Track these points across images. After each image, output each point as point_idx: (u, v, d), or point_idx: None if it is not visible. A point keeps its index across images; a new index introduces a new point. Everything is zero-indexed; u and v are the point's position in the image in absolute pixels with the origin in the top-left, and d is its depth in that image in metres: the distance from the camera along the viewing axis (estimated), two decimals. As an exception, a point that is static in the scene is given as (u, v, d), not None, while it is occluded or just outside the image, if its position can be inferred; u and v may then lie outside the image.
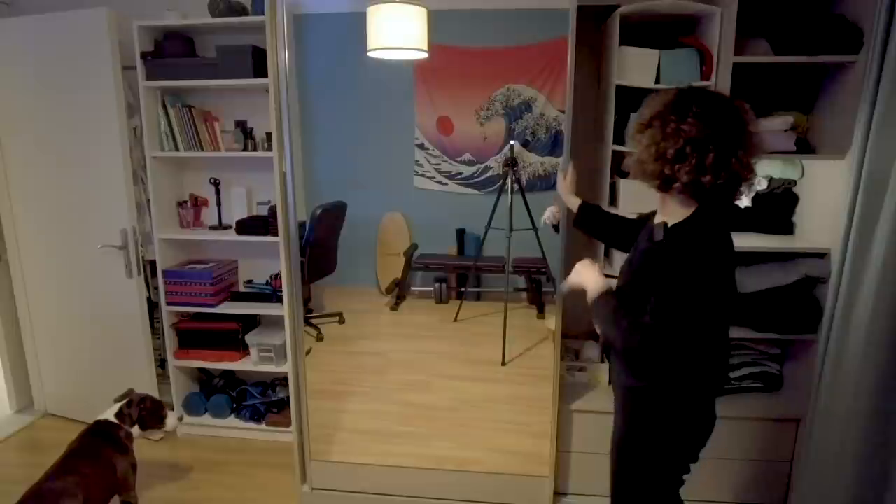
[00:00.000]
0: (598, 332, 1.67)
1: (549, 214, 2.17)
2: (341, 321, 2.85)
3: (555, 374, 2.37)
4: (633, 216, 1.95)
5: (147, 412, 2.49)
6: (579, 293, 1.73)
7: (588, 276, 1.69)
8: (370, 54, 2.02)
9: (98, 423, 2.40)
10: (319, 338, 2.78)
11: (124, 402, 2.47)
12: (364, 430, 2.66)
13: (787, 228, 2.56)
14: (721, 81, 2.23)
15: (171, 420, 2.57)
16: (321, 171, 2.64)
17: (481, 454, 2.57)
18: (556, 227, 2.15)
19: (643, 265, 1.59)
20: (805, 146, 2.38)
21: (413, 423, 2.62)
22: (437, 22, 2.03)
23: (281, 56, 2.22)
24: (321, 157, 2.62)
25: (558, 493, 2.58)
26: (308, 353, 2.57)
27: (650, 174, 1.50)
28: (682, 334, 1.48)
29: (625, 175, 2.49)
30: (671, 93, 1.50)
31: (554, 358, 2.35)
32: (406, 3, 1.92)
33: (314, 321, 2.83)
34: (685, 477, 1.80)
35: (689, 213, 1.51)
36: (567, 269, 2.26)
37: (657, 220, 1.59)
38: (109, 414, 2.42)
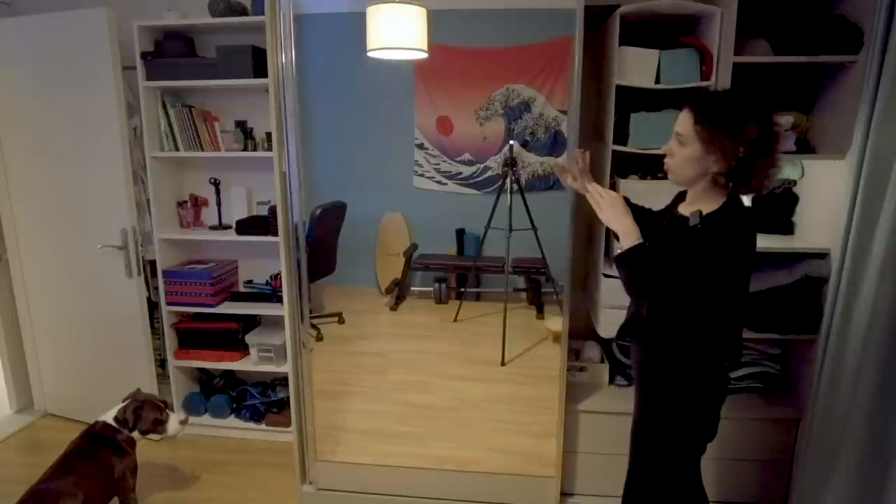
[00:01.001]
0: (623, 277, 1.68)
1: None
2: (341, 321, 2.85)
3: (562, 374, 2.36)
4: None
5: (143, 418, 2.42)
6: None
7: (621, 219, 1.67)
8: (370, 54, 2.01)
9: (96, 425, 2.39)
10: (319, 338, 2.78)
11: (122, 406, 2.43)
12: (364, 429, 2.66)
13: (788, 228, 2.56)
14: (721, 81, 2.23)
15: (172, 425, 2.48)
16: (321, 171, 2.64)
17: (481, 454, 2.56)
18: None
19: (667, 249, 1.64)
20: (805, 146, 2.38)
21: (413, 423, 2.62)
22: (437, 22, 2.03)
23: (281, 56, 2.22)
24: (321, 157, 2.62)
25: (565, 494, 2.57)
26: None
27: (715, 174, 1.56)
28: (700, 307, 1.61)
29: (625, 175, 2.49)
30: (731, 96, 1.58)
31: (561, 358, 2.34)
32: (406, 3, 1.91)
33: (314, 321, 2.83)
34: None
35: (720, 203, 1.59)
36: (573, 268, 2.26)
37: (689, 208, 1.65)
38: (108, 417, 2.40)
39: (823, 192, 2.40)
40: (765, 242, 2.42)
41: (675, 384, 1.73)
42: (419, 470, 2.54)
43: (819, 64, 2.26)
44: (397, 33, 1.95)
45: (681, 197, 1.77)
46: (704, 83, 2.27)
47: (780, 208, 2.55)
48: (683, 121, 1.57)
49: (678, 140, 1.59)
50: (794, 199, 2.55)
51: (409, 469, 2.54)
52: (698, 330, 1.66)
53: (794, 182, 2.53)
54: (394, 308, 2.52)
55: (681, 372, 1.70)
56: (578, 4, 2.05)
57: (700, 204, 1.63)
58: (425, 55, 2.05)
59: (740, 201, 1.61)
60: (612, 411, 2.49)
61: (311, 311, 2.85)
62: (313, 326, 2.81)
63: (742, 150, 1.49)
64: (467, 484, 2.53)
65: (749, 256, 1.60)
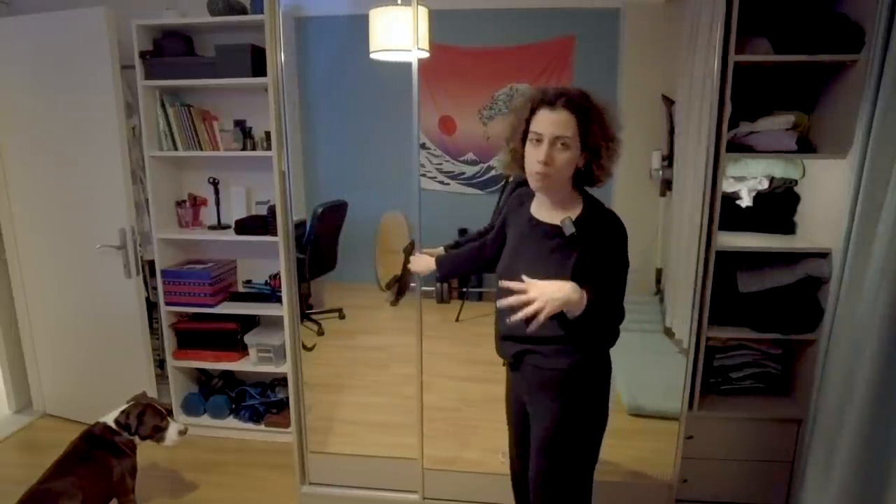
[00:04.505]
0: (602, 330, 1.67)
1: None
2: (341, 317, 2.85)
3: (687, 375, 2.30)
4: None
5: (144, 423, 2.40)
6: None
7: (562, 291, 1.49)
8: (372, 56, 2.01)
9: (95, 426, 2.38)
10: (320, 332, 2.79)
11: (124, 408, 2.42)
12: (364, 422, 2.65)
13: (789, 228, 2.56)
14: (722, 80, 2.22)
15: (171, 434, 2.45)
16: (321, 171, 2.63)
17: (480, 454, 2.55)
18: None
19: (562, 260, 1.59)
20: (806, 145, 2.37)
21: (414, 418, 2.60)
22: (439, 22, 2.02)
23: (280, 55, 2.21)
24: (322, 156, 2.62)
25: (680, 501, 2.50)
26: (312, 348, 2.55)
27: (570, 173, 1.59)
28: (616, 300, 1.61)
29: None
30: (586, 95, 1.57)
31: (688, 360, 2.31)
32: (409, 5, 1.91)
33: (315, 317, 2.84)
34: None
35: (580, 202, 1.63)
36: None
37: (551, 215, 1.64)
38: (109, 419, 2.39)
39: (824, 192, 2.40)
40: (766, 242, 2.42)
41: (598, 383, 1.72)
42: (423, 469, 2.54)
43: (820, 63, 2.25)
44: (399, 34, 1.95)
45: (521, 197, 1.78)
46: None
47: (781, 208, 2.55)
48: (566, 123, 1.52)
49: (562, 143, 1.53)
50: (796, 199, 2.55)
51: (412, 463, 2.54)
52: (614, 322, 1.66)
53: (796, 182, 2.53)
54: (394, 303, 2.52)
55: (593, 366, 1.70)
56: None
57: (563, 210, 1.62)
58: (426, 55, 2.05)
59: (592, 196, 1.65)
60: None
61: (311, 307, 2.85)
62: (314, 322, 2.82)
63: (605, 142, 1.54)
64: (467, 483, 2.52)
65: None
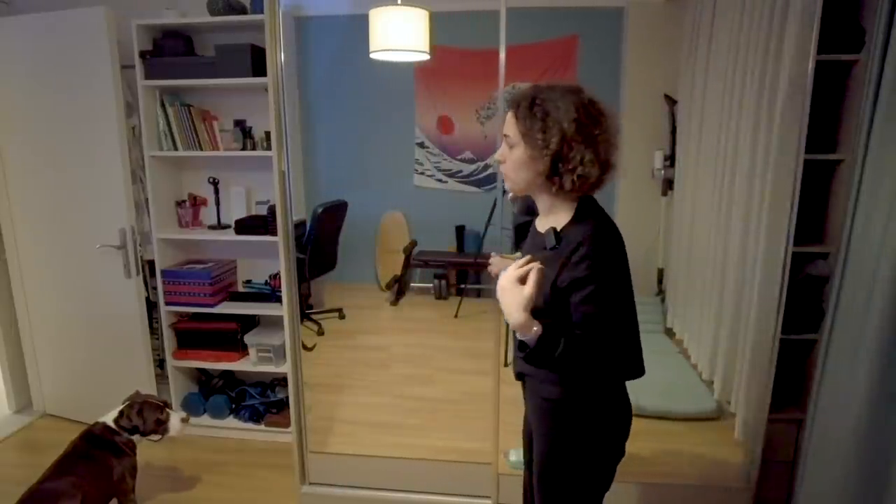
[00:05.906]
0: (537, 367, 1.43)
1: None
2: (341, 317, 2.85)
3: (769, 375, 2.29)
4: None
5: (145, 419, 2.41)
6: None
7: (513, 301, 1.30)
8: (372, 56, 2.01)
9: (95, 426, 2.38)
10: (320, 332, 2.79)
11: (122, 408, 2.42)
12: (364, 422, 2.64)
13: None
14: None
15: (174, 424, 2.46)
16: (321, 171, 2.63)
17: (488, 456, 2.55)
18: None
19: (548, 275, 1.38)
20: (806, 145, 2.36)
21: (416, 415, 2.60)
22: (440, 23, 2.02)
23: (280, 55, 2.21)
24: (322, 156, 2.62)
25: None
26: (312, 348, 2.55)
27: (541, 173, 1.42)
28: (612, 329, 1.40)
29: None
30: (544, 86, 1.42)
31: (770, 360, 2.31)
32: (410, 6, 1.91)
33: (315, 317, 2.84)
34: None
35: (571, 212, 1.45)
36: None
37: (543, 223, 1.52)
38: (108, 418, 2.39)
39: (826, 191, 2.39)
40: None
41: (581, 416, 1.55)
42: (425, 463, 2.53)
43: (820, 62, 2.24)
44: (399, 35, 1.95)
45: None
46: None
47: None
48: (508, 122, 1.46)
49: (507, 143, 1.47)
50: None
51: (413, 461, 2.52)
52: (607, 353, 1.44)
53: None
54: (394, 303, 2.52)
55: (585, 401, 1.54)
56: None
57: (552, 217, 1.49)
58: (427, 57, 2.04)
59: (593, 203, 1.47)
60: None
61: (311, 307, 2.85)
62: (314, 322, 2.81)
63: (556, 141, 1.35)
64: (473, 479, 2.51)
65: (623, 259, 1.42)
